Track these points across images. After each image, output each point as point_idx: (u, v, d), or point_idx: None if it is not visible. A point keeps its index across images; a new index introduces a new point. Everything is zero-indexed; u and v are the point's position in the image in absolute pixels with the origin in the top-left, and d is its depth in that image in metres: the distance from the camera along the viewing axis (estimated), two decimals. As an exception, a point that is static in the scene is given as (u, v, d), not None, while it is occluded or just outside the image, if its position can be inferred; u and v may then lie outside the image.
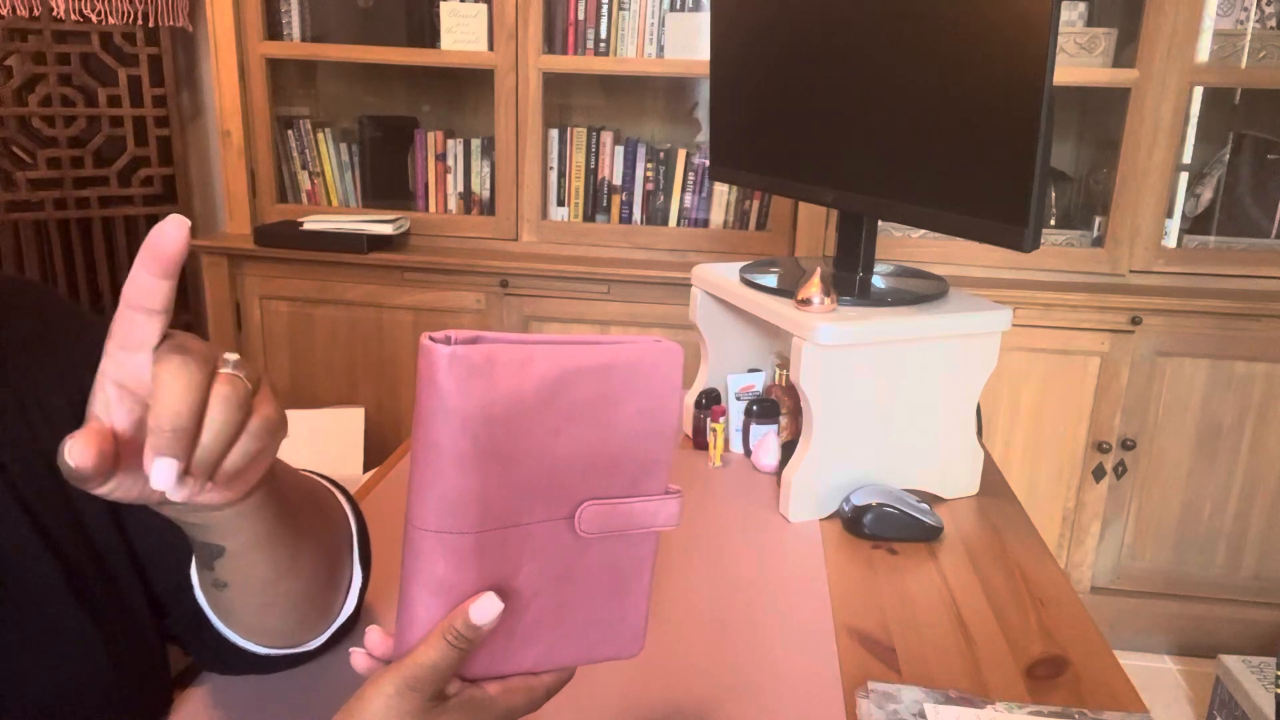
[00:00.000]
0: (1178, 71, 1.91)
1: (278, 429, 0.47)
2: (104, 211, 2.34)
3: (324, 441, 2.12)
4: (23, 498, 0.56)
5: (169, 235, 0.41)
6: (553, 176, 2.25)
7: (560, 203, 2.26)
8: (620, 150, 2.23)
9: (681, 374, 0.48)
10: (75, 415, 0.60)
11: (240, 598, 0.59)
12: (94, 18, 2.20)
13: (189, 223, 0.42)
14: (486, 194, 2.29)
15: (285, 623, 0.64)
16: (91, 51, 2.25)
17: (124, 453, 0.44)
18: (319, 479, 0.70)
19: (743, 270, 1.18)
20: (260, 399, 0.46)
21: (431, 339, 0.42)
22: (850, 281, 1.13)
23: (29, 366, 0.59)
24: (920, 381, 1.05)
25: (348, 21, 2.24)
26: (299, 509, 0.59)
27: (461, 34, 2.11)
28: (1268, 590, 2.09)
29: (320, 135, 2.29)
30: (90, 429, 0.42)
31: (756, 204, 2.21)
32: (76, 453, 0.41)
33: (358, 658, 0.48)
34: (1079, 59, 1.94)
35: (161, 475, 0.41)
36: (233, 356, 0.45)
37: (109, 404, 0.44)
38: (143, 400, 0.44)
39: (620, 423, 0.47)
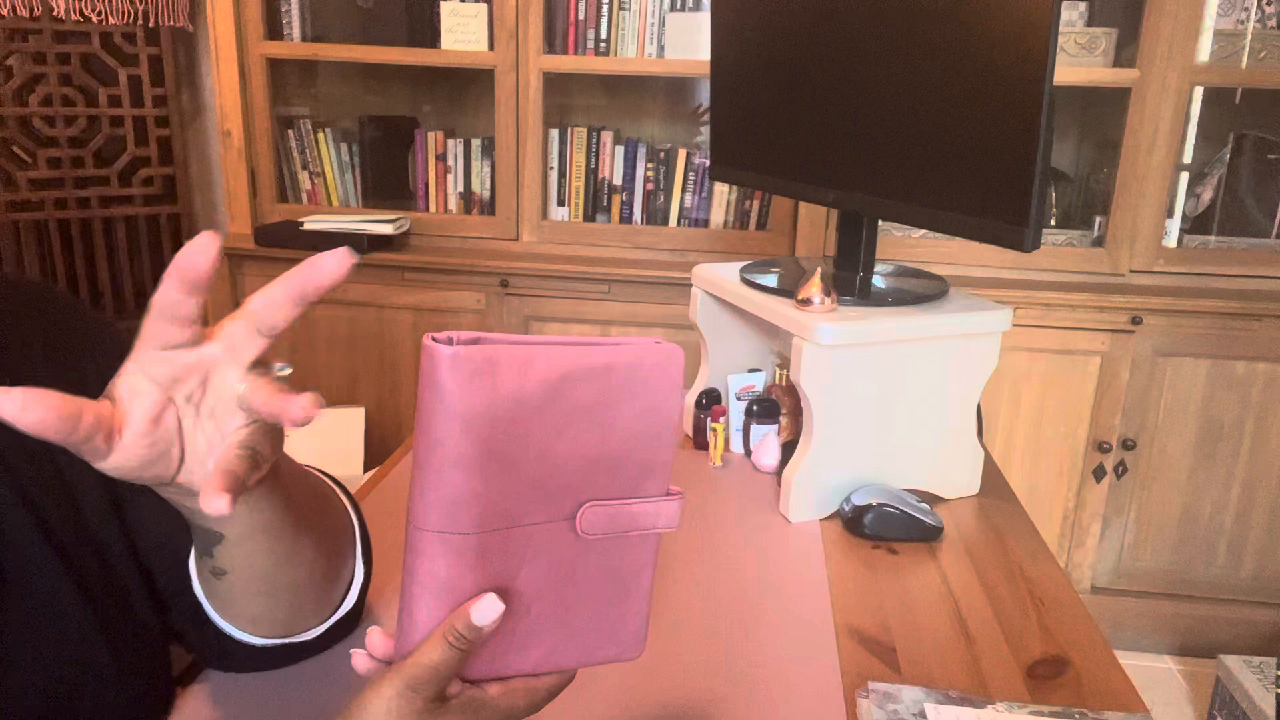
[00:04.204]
0: (1178, 71, 1.91)
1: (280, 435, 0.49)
2: (104, 211, 2.34)
3: (324, 441, 2.12)
4: (23, 491, 0.56)
5: (198, 253, 0.42)
6: (553, 176, 2.25)
7: (561, 203, 2.26)
8: (620, 150, 2.23)
9: (682, 375, 0.49)
10: None
11: (238, 585, 0.60)
12: (94, 18, 2.20)
13: (219, 239, 0.42)
14: (487, 194, 2.28)
15: (283, 613, 0.64)
16: (92, 51, 2.24)
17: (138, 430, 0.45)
18: (320, 475, 0.70)
19: (743, 270, 1.18)
20: None
21: (434, 339, 0.43)
22: (850, 281, 1.13)
23: (28, 360, 0.59)
24: (920, 381, 1.05)
25: (348, 21, 2.24)
26: (300, 502, 0.59)
27: (462, 34, 2.11)
28: (1268, 590, 2.09)
29: (320, 135, 2.29)
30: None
31: (756, 204, 2.21)
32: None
33: (358, 659, 0.48)
34: (1079, 59, 1.94)
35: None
36: (286, 369, 0.47)
37: (133, 390, 0.45)
38: (165, 393, 0.46)
39: (621, 424, 0.47)
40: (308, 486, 0.63)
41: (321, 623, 0.68)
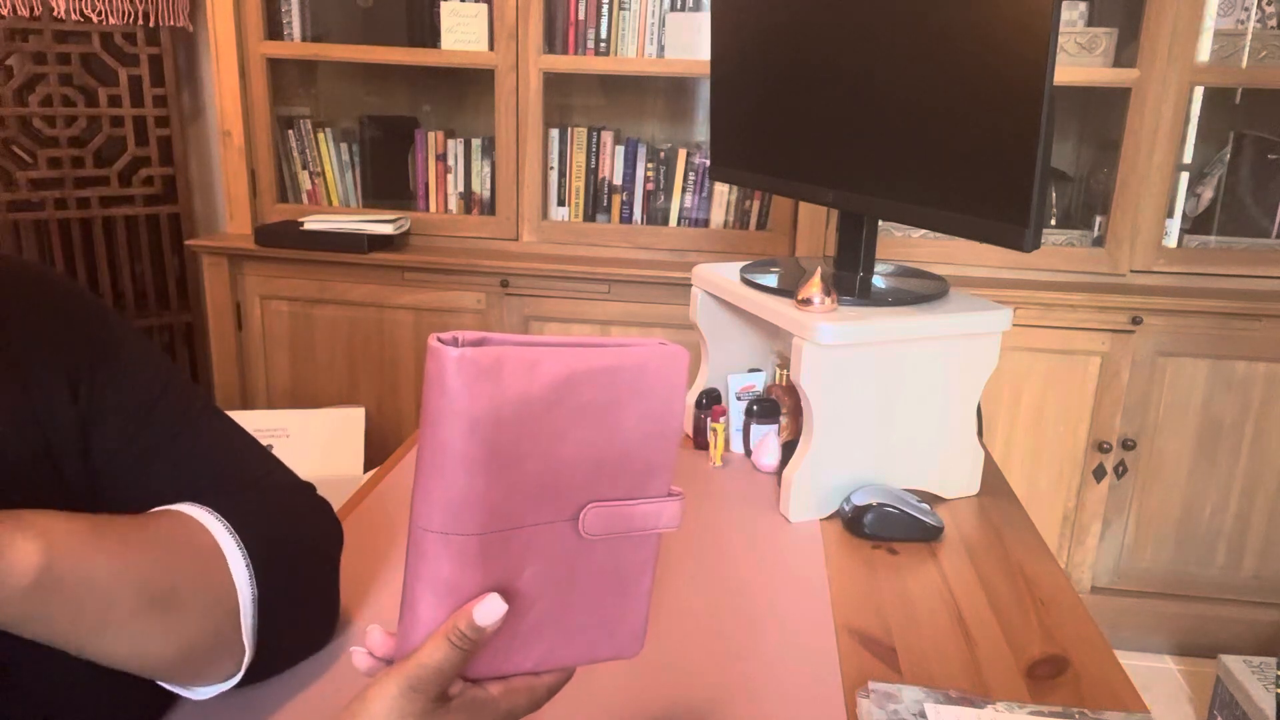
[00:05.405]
0: (1178, 71, 1.91)
1: None
2: (104, 211, 2.34)
3: (324, 441, 2.12)
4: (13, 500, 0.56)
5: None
6: (553, 176, 2.25)
7: (561, 202, 2.26)
8: (620, 150, 2.23)
9: (686, 377, 0.49)
10: (70, 391, 0.60)
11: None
12: (94, 18, 2.20)
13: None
14: (487, 194, 2.29)
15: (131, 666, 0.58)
16: (92, 51, 2.24)
17: None
18: (219, 539, 0.61)
19: (743, 270, 1.19)
20: None
21: (439, 340, 0.43)
22: (850, 281, 1.14)
23: (27, 343, 0.59)
24: (920, 381, 1.05)
25: (348, 21, 2.24)
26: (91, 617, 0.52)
27: (462, 34, 2.11)
28: (1268, 590, 2.09)
29: (321, 135, 2.29)
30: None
31: (756, 204, 2.21)
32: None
33: (360, 657, 0.48)
34: (1079, 59, 1.94)
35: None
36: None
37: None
38: None
39: (625, 425, 0.47)
40: (137, 592, 0.54)
41: (201, 686, 0.62)
